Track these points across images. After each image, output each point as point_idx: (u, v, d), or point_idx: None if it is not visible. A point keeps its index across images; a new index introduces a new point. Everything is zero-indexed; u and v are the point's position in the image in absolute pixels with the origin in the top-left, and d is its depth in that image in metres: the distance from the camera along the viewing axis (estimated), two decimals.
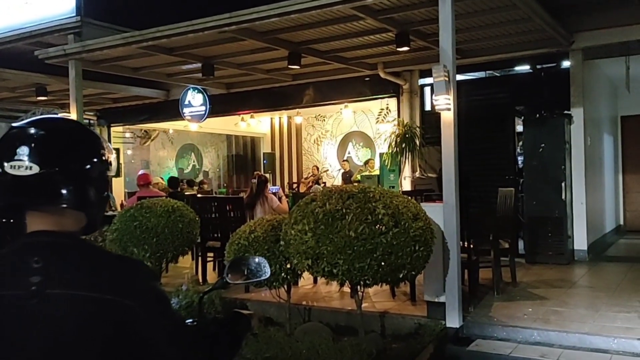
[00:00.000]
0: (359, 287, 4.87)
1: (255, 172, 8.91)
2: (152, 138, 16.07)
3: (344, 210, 4.54)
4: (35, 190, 1.20)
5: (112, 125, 14.21)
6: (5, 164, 1.19)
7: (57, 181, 1.21)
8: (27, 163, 1.18)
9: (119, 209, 9.70)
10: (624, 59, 8.47)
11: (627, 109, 11.38)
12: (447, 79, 5.34)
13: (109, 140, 14.17)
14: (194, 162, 17.94)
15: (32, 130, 1.22)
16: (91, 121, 13.73)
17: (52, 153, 1.22)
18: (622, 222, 11.67)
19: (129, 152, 15.90)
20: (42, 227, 1.21)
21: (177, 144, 17.55)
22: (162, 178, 13.69)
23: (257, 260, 2.28)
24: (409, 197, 5.35)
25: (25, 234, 1.22)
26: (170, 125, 15.01)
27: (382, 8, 6.44)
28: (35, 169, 1.19)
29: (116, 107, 13.50)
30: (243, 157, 17.86)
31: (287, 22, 6.83)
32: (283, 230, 4.98)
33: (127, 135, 15.58)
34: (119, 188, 13.25)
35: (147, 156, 16.81)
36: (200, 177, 16.70)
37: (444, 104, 5.40)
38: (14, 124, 1.28)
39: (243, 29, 6.99)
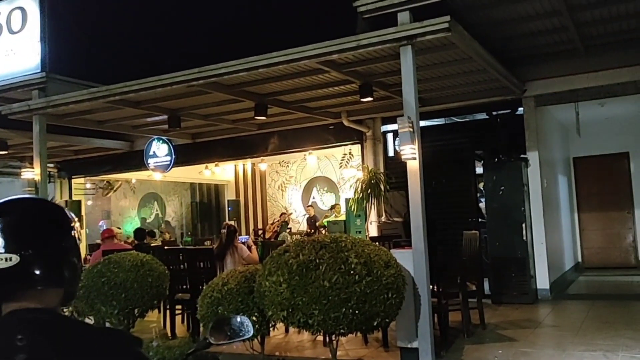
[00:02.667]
0: (333, 336, 4.91)
1: (224, 222, 8.93)
2: (114, 189, 15.86)
3: (317, 261, 4.62)
4: (15, 279, 1.22)
5: (73, 177, 13.99)
6: None
7: (34, 267, 1.23)
8: (5, 254, 1.21)
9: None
10: (573, 105, 8.95)
11: (578, 150, 11.91)
12: (411, 129, 5.56)
13: (70, 192, 13.95)
14: (156, 211, 17.72)
15: (5, 219, 1.25)
16: (51, 173, 13.51)
17: (27, 239, 1.24)
18: (580, 260, 12.04)
19: (89, 202, 15.63)
20: (23, 305, 1.23)
21: (140, 193, 17.35)
22: (119, 228, 13.44)
23: (239, 319, 2.31)
24: (379, 245, 5.46)
25: (6, 312, 1.23)
26: (134, 175, 14.88)
27: (346, 62, 6.70)
28: (15, 259, 1.21)
29: (78, 159, 13.34)
30: (207, 204, 17.77)
31: (254, 76, 7.01)
32: (257, 281, 5.01)
33: (88, 185, 15.35)
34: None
35: (108, 206, 16.55)
36: (163, 226, 16.51)
37: (410, 153, 5.60)
38: None
39: (211, 83, 7.14)
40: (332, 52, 6.12)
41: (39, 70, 8.31)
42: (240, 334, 2.26)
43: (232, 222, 8.64)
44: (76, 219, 1.39)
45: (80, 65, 9.46)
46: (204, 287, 5.64)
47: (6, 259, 1.21)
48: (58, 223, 1.32)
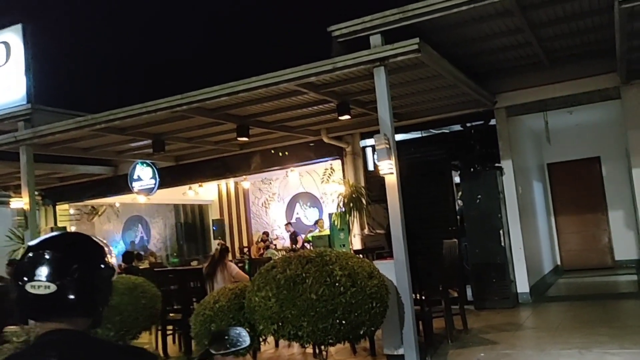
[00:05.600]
0: (322, 346, 5.14)
1: (218, 242, 9.14)
2: (99, 213, 15.94)
3: (304, 275, 4.86)
4: (52, 306, 1.43)
5: (57, 203, 14.07)
6: (27, 284, 1.42)
7: (70, 296, 1.43)
8: (45, 283, 1.41)
9: None
10: (542, 114, 9.34)
11: (552, 156, 12.30)
12: (388, 146, 5.85)
13: (55, 219, 14.01)
14: (141, 233, 17.79)
15: (48, 251, 1.46)
16: (36, 200, 13.55)
17: (67, 270, 1.44)
18: (559, 263, 12.39)
19: (73, 228, 15.65)
20: (55, 327, 1.44)
21: (124, 216, 17.42)
22: None
23: (237, 330, 2.54)
24: (363, 257, 5.72)
25: (43, 332, 1.43)
26: (118, 199, 14.98)
27: (323, 83, 6.99)
28: (53, 287, 1.41)
29: (62, 186, 13.44)
30: (192, 225, 17.88)
31: (235, 100, 7.26)
32: (247, 297, 5.23)
33: (72, 211, 15.41)
34: None
35: (92, 231, 16.58)
36: (151, 249, 16.60)
37: (387, 168, 5.89)
38: (30, 243, 1.51)
39: (194, 108, 7.38)
40: (309, 74, 6.41)
41: (24, 102, 8.48)
42: (239, 344, 2.48)
43: (223, 242, 8.91)
44: (111, 250, 1.59)
45: (64, 95, 9.64)
46: (196, 306, 5.84)
47: (45, 287, 1.41)
48: (95, 258, 1.53)
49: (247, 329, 5.34)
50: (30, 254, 1.47)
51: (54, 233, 1.62)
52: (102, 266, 1.53)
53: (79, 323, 1.48)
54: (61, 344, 1.42)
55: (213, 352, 2.47)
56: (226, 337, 2.50)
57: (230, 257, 8.85)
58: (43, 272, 1.42)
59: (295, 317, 4.73)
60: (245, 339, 2.52)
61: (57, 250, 1.48)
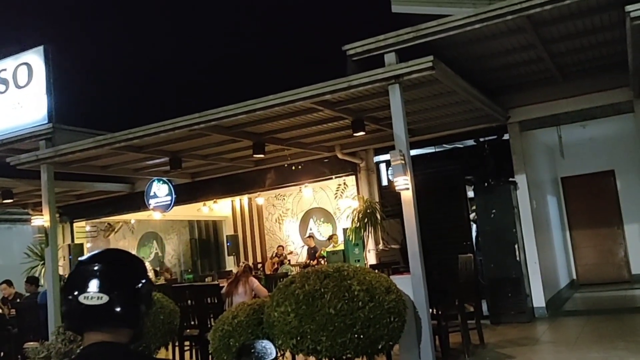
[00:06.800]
0: None
1: (242, 262, 9.42)
2: (115, 230, 16.10)
3: (322, 290, 4.93)
4: (103, 316, 1.51)
5: (75, 220, 14.25)
6: (80, 296, 1.50)
7: (119, 307, 1.52)
8: (98, 294, 1.50)
9: None
10: (556, 128, 9.37)
11: (566, 170, 12.30)
12: (403, 161, 5.93)
13: (72, 236, 14.18)
14: (156, 249, 17.89)
15: (98, 265, 1.55)
16: None
17: (117, 283, 1.54)
18: (575, 277, 12.33)
19: (89, 245, 15.81)
20: (100, 339, 1.53)
21: (138, 233, 17.54)
22: None
23: (263, 343, 2.62)
24: (379, 272, 5.77)
25: (88, 344, 1.53)
26: (134, 216, 15.14)
27: (338, 101, 7.09)
28: (105, 298, 1.50)
29: (79, 203, 13.63)
30: (206, 241, 17.98)
31: (252, 118, 7.38)
32: (266, 312, 5.29)
33: (88, 228, 15.57)
34: None
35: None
36: (166, 265, 16.70)
37: (403, 184, 5.96)
38: (81, 259, 1.61)
39: (211, 126, 7.51)
40: (325, 92, 6.52)
41: (45, 122, 8.69)
42: (265, 356, 2.56)
43: (247, 263, 9.15)
44: (150, 268, 1.70)
45: (84, 114, 9.85)
46: (215, 322, 5.91)
47: (98, 298, 1.51)
48: (137, 272, 1.63)
49: None
50: (81, 268, 1.57)
51: (101, 249, 1.71)
52: (144, 280, 1.62)
53: (123, 335, 1.56)
54: (105, 355, 1.50)
55: None
56: (252, 350, 2.59)
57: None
58: (95, 284, 1.51)
59: (314, 332, 4.78)
60: (272, 351, 2.60)
61: (107, 264, 1.57)
